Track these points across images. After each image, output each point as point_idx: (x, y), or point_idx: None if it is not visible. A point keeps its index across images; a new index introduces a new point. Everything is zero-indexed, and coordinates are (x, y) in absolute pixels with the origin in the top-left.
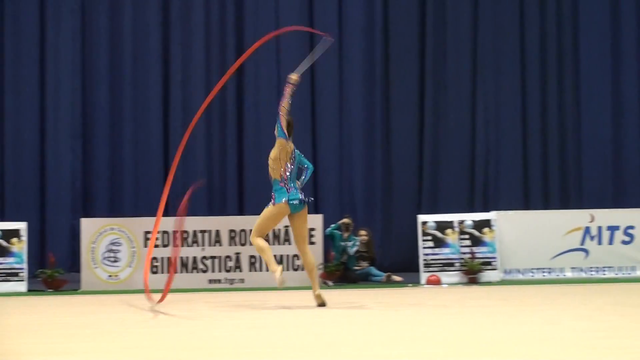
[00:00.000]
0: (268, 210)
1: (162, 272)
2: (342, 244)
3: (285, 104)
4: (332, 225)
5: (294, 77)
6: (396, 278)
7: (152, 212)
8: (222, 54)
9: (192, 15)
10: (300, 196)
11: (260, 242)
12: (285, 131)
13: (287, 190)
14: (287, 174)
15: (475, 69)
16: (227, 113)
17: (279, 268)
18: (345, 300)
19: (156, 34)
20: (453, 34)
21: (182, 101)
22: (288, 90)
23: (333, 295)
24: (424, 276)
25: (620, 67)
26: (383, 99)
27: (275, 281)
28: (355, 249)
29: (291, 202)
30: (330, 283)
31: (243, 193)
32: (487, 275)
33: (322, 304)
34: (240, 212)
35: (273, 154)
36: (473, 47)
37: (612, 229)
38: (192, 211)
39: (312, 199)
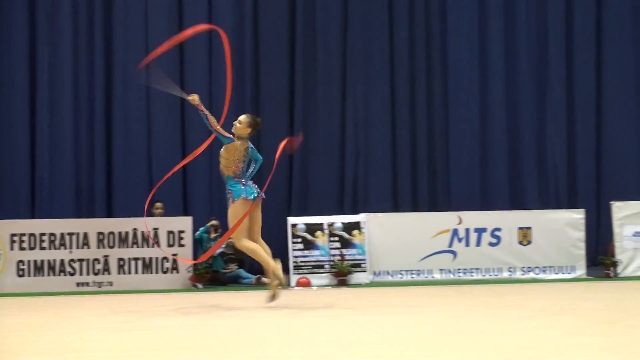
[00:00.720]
0: (233, 209)
1: (29, 275)
2: (208, 245)
3: (209, 119)
4: (201, 229)
5: (193, 98)
6: (266, 280)
7: (18, 214)
8: (90, 54)
9: (60, 13)
10: (255, 190)
11: (248, 243)
12: (228, 135)
13: (242, 185)
14: (240, 171)
15: (345, 71)
16: (96, 114)
17: (278, 266)
18: (215, 302)
19: (23, 33)
20: (323, 36)
21: (49, 101)
22: (201, 110)
23: (203, 298)
24: (293, 278)
25: (487, 72)
26: (253, 101)
27: (278, 279)
28: (220, 250)
29: (249, 197)
30: (200, 286)
31: (111, 195)
32: (357, 277)
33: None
34: (109, 214)
35: (225, 153)
36: (342, 48)
37: (480, 231)
38: (59, 213)
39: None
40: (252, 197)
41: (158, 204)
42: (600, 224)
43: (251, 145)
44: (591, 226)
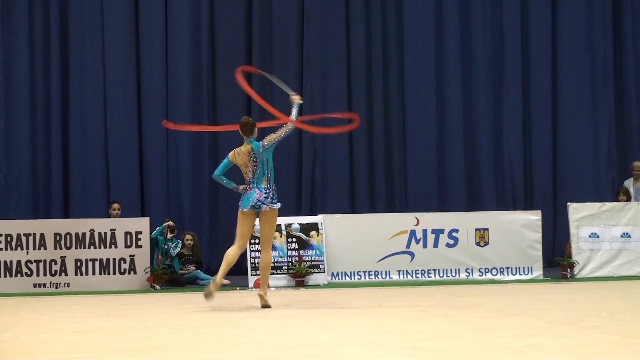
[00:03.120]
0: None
1: None
2: (164, 246)
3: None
4: (157, 229)
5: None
6: (224, 281)
7: None
8: (46, 53)
9: (15, 14)
10: (253, 201)
11: (228, 251)
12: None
13: (245, 192)
14: (250, 176)
15: (302, 73)
16: (52, 114)
17: (214, 283)
18: (173, 304)
19: None
20: (279, 38)
21: (4, 101)
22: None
23: (160, 298)
24: (251, 279)
25: (444, 73)
26: (210, 102)
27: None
28: (177, 250)
29: (243, 208)
30: (157, 287)
31: (68, 196)
32: (315, 278)
33: (265, 305)
34: (66, 215)
35: None
36: (299, 50)
37: (437, 232)
38: (16, 214)
39: (278, 204)
40: (245, 208)
41: (115, 205)
42: (556, 226)
43: (261, 145)
44: (548, 227)
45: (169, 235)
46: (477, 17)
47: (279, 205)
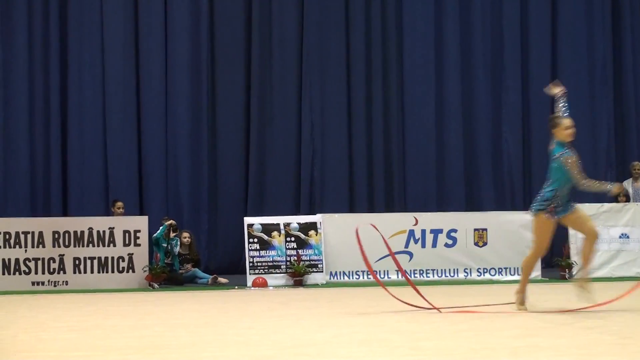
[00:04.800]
0: None
1: None
2: (166, 245)
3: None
4: (161, 229)
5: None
6: (222, 280)
7: None
8: (45, 52)
9: (14, 13)
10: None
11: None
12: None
13: None
14: None
15: (301, 72)
16: (51, 112)
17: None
18: (171, 302)
19: None
20: (279, 37)
21: (3, 100)
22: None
23: (158, 297)
24: (250, 278)
25: (443, 73)
26: (209, 101)
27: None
28: (177, 248)
29: None
30: (156, 285)
31: (67, 194)
32: (313, 277)
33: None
34: (64, 213)
35: None
36: (299, 50)
37: (436, 232)
38: (15, 212)
39: (537, 212)
40: None
41: (119, 203)
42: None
43: (559, 154)
44: None
45: (172, 235)
46: (476, 18)
47: (537, 212)
